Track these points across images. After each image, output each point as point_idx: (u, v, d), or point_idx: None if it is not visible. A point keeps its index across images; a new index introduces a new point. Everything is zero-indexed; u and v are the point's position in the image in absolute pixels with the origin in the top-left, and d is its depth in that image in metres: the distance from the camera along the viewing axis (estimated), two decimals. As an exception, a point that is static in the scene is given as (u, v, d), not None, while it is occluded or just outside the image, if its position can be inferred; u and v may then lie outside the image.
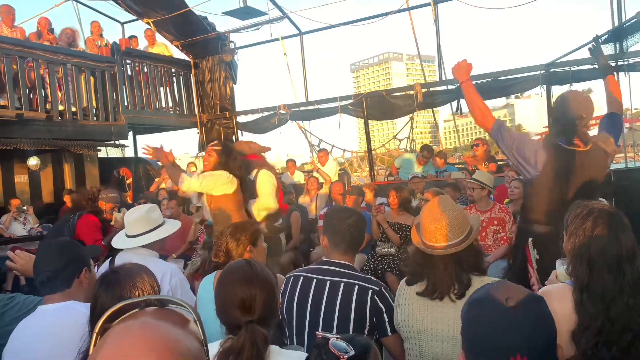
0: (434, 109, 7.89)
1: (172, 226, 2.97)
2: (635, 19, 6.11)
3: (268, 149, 4.65)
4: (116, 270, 1.68)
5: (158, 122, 8.74)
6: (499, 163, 6.96)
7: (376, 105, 7.84)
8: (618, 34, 6.23)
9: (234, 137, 9.06)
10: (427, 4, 7.63)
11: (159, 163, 9.37)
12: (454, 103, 7.46)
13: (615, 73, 2.81)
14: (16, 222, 6.89)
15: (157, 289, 1.70)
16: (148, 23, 8.41)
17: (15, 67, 6.27)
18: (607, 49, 6.37)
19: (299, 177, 9.30)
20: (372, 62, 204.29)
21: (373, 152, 8.74)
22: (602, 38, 6.41)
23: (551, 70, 6.56)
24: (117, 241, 2.82)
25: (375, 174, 8.94)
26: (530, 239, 2.72)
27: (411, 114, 8.18)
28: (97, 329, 0.73)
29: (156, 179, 8.51)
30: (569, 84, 6.48)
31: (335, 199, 6.34)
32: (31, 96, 6.63)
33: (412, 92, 7.59)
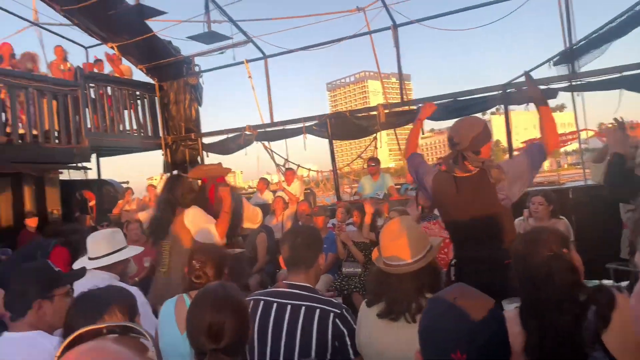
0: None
1: (134, 250, 3.01)
2: (584, 42, 6.46)
3: (228, 170, 4.62)
4: (87, 294, 1.66)
5: (122, 144, 8.66)
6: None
7: (340, 126, 8.01)
8: (569, 56, 6.57)
9: (199, 159, 9.05)
10: (388, 28, 7.89)
11: (123, 185, 9.31)
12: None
13: (547, 104, 2.85)
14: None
15: (128, 314, 1.68)
16: (112, 47, 8.38)
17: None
18: (561, 70, 6.71)
19: (269, 197, 9.30)
20: (349, 81, 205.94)
21: (339, 171, 8.89)
22: (554, 60, 6.76)
23: (508, 90, 6.84)
24: (79, 263, 2.79)
25: (342, 192, 9.06)
26: (453, 260, 2.82)
27: (375, 134, 8.38)
28: (58, 354, 0.75)
29: (119, 201, 8.39)
30: (525, 104, 6.75)
31: (301, 219, 6.39)
32: (-9, 120, 6.50)
33: (375, 112, 7.79)
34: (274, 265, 6.49)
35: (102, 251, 2.79)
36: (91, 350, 0.73)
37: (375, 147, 8.40)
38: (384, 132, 8.08)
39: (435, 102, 7.61)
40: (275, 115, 8.88)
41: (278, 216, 7.29)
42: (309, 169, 9.30)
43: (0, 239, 7.25)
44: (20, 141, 6.65)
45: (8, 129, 6.56)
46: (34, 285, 1.93)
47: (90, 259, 2.80)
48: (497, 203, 2.55)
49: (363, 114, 8.12)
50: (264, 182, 9.66)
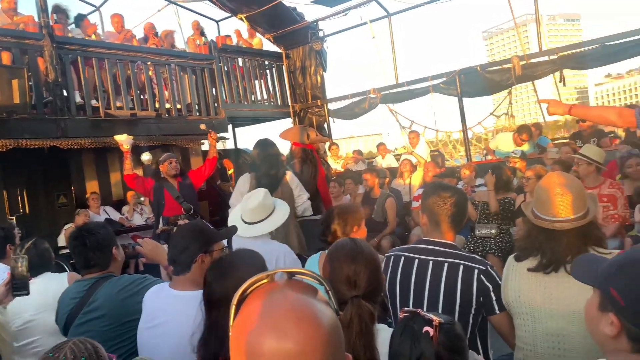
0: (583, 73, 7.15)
1: (283, 212, 2.98)
2: None
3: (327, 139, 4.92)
4: (228, 256, 1.75)
5: (255, 114, 9.09)
6: (609, 136, 6.44)
7: (470, 82, 7.55)
8: None
9: (325, 125, 9.20)
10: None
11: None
12: (557, 74, 6.98)
13: None
14: (135, 212, 7.60)
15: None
16: (241, 19, 8.77)
17: (128, 71, 6.87)
18: None
19: (390, 161, 9.25)
20: (508, 26, 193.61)
21: (469, 130, 8.44)
22: None
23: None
24: (240, 229, 2.81)
25: (472, 153, 8.64)
26: None
27: (509, 89, 7.78)
28: (235, 302, 0.76)
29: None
30: None
31: (427, 179, 6.28)
32: (142, 97, 7.21)
33: (509, 65, 7.20)
34: (403, 227, 6.47)
35: (258, 217, 2.85)
36: (276, 292, 0.74)
37: (510, 103, 7.82)
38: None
39: (579, 50, 6.88)
40: (405, 76, 8.61)
41: (405, 179, 7.21)
42: (437, 130, 8.96)
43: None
44: (167, 115, 7.31)
45: (157, 104, 7.25)
46: (196, 241, 2.05)
47: (246, 222, 2.86)
48: None
49: (496, 68, 7.55)
50: (384, 147, 9.67)
